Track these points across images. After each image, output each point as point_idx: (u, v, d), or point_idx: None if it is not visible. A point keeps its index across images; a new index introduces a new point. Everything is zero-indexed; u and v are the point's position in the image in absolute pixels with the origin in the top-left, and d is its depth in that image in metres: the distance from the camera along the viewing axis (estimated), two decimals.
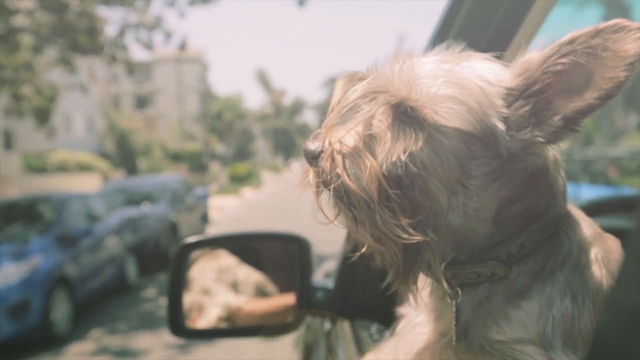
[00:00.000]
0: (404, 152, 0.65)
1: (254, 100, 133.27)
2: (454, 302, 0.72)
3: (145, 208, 10.43)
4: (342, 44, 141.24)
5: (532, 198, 0.69)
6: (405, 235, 0.65)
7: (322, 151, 0.69)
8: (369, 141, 0.68)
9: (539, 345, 0.66)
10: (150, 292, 9.01)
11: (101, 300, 8.08)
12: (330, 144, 0.68)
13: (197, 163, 39.34)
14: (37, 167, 21.41)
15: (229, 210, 22.30)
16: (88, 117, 31.15)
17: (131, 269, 9.01)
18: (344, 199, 0.67)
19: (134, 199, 10.75)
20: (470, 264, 0.71)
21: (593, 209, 1.38)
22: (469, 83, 0.65)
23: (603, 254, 0.72)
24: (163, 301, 8.04)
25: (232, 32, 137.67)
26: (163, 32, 10.56)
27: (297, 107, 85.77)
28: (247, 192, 33.20)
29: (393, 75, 0.67)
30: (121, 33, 10.23)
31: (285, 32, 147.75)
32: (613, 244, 0.75)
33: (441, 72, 0.66)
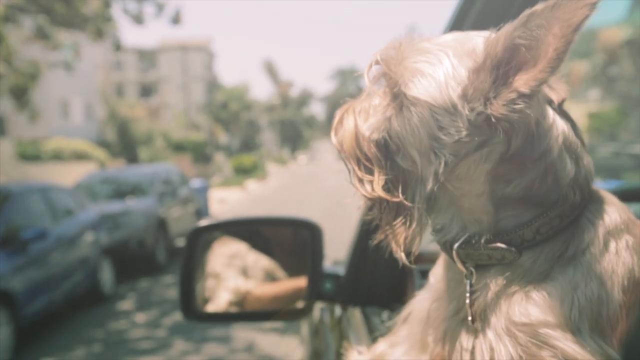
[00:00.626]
0: (384, 121, 0.72)
1: (261, 91, 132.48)
2: (468, 281, 0.73)
3: (130, 202, 9.24)
4: (352, 35, 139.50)
5: (527, 180, 0.69)
6: (370, 191, 0.72)
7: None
8: (367, 109, 0.76)
9: (567, 329, 0.66)
10: (127, 304, 7.63)
11: (61, 317, 6.68)
12: (343, 109, 0.79)
13: (200, 153, 38.29)
14: (30, 155, 20.49)
15: (232, 204, 21.58)
16: (87, 104, 29.88)
17: (107, 276, 7.66)
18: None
19: (120, 192, 9.58)
20: (484, 246, 0.72)
21: (628, 195, 1.28)
22: (443, 57, 0.69)
23: (635, 241, 0.71)
24: (141, 317, 6.89)
25: (239, 21, 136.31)
26: (154, 4, 9.38)
27: (305, 99, 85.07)
28: (252, 185, 32.23)
29: (393, 59, 0.73)
30: (106, 3, 9.04)
31: (294, 22, 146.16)
32: None
33: (425, 47, 0.71)
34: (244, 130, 64.09)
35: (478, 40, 0.69)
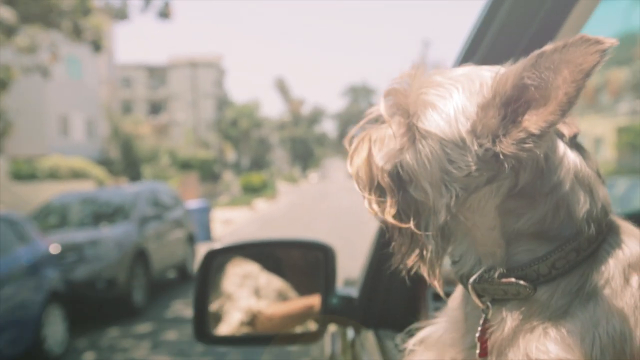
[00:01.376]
0: (396, 152, 0.73)
1: (272, 108, 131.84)
2: (483, 315, 0.72)
3: (103, 229, 7.61)
4: (364, 52, 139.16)
5: (539, 214, 0.69)
6: (382, 218, 0.74)
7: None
8: (383, 139, 0.76)
9: None
10: None
11: None
12: (360, 136, 0.80)
13: (208, 172, 37.00)
14: (25, 174, 19.36)
15: (238, 224, 20.28)
16: (89, 120, 28.52)
17: (56, 328, 5.81)
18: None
19: (95, 215, 8.00)
20: (501, 281, 0.71)
21: None
22: (454, 92, 0.70)
23: None
24: None
25: (250, 37, 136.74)
26: None
27: (316, 116, 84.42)
28: (260, 204, 30.85)
29: (409, 90, 0.73)
30: None
31: (305, 38, 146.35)
32: None
33: (438, 81, 0.71)
34: (254, 148, 63.28)
35: (488, 75, 0.70)
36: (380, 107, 0.76)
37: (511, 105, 0.66)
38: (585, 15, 0.98)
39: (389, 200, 0.73)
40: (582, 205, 0.69)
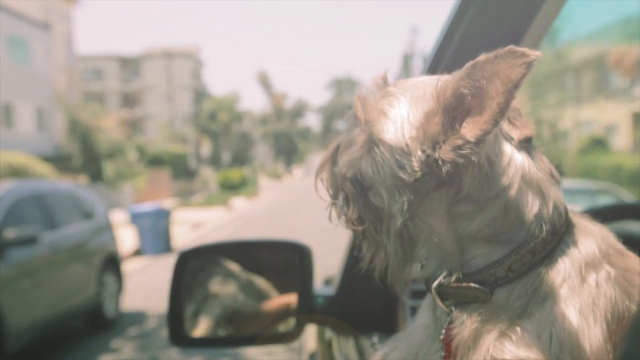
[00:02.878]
0: (354, 159, 0.75)
1: (254, 102, 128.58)
2: (448, 319, 0.75)
3: None
4: (349, 43, 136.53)
5: (488, 218, 0.71)
6: (345, 222, 0.77)
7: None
8: (344, 147, 0.79)
9: None
10: None
11: None
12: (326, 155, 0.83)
13: (182, 168, 34.13)
14: None
15: (209, 227, 17.88)
16: (39, 111, 25.29)
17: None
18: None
19: None
20: (459, 285, 0.73)
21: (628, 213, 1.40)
22: (403, 101, 0.73)
23: (617, 273, 0.70)
24: None
25: (231, 28, 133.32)
26: None
27: (300, 110, 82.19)
28: (239, 202, 28.19)
29: (368, 100, 0.76)
30: None
31: (288, 29, 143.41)
32: (634, 262, 0.72)
33: (388, 91, 0.75)
34: (235, 143, 60.65)
35: (434, 84, 0.71)
36: (345, 116, 0.79)
37: (450, 113, 0.68)
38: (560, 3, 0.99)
39: (350, 207, 0.75)
40: (531, 207, 0.70)
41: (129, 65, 53.02)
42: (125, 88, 52.59)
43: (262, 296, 1.42)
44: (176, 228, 16.36)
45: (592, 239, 0.72)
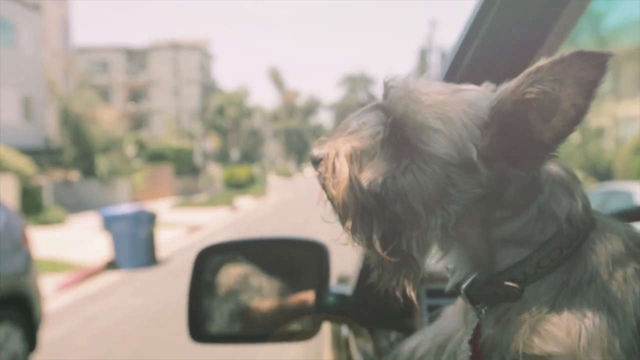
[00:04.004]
0: (387, 174, 0.70)
1: (265, 99, 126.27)
2: (477, 320, 0.74)
3: None
4: (362, 41, 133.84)
5: (522, 222, 0.71)
6: (365, 242, 0.72)
7: (321, 158, 0.74)
8: (360, 155, 0.72)
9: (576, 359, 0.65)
10: None
11: None
12: (328, 152, 0.74)
13: (187, 164, 32.06)
14: None
15: (207, 231, 15.85)
16: (26, 99, 22.91)
17: None
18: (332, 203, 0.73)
19: None
20: (489, 284, 0.73)
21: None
22: (454, 115, 0.69)
23: None
24: None
25: (243, 24, 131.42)
26: None
27: (312, 107, 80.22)
28: (245, 202, 26.08)
29: (396, 98, 0.72)
30: None
31: (301, 24, 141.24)
32: None
33: (434, 103, 0.70)
34: (245, 140, 58.72)
35: (477, 96, 0.71)
36: (362, 121, 0.73)
37: (514, 124, 0.67)
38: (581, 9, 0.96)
39: (375, 224, 0.70)
40: (564, 208, 0.71)
41: (136, 57, 51.11)
42: (131, 81, 50.70)
43: (279, 294, 1.40)
44: (170, 232, 14.34)
45: (617, 236, 0.71)
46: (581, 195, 0.72)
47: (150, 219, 9.90)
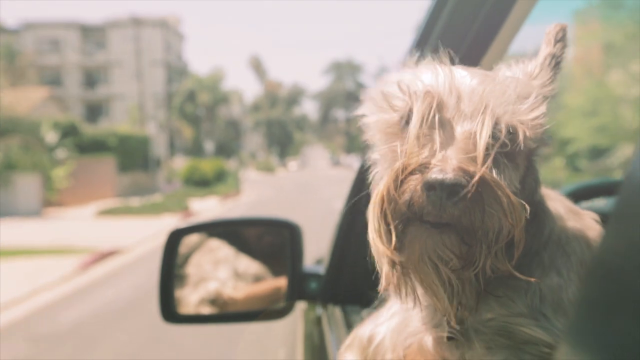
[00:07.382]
0: (517, 182, 0.69)
1: (245, 87, 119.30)
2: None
3: None
4: (348, 24, 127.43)
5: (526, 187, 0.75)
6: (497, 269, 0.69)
7: (462, 185, 0.60)
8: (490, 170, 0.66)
9: (529, 316, 0.71)
10: None
11: None
12: (465, 172, 0.61)
13: (138, 157, 25.72)
14: None
15: (130, 256, 9.66)
16: None
17: None
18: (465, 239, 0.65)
19: None
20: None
21: (586, 193, 1.48)
22: (541, 104, 0.71)
23: (579, 230, 0.77)
24: None
25: (221, 3, 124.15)
26: None
27: (295, 97, 73.89)
28: (209, 204, 20.07)
29: (477, 92, 0.68)
30: None
31: (283, 7, 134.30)
32: (590, 221, 0.79)
33: (516, 95, 0.69)
34: (222, 131, 52.55)
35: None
36: (419, 120, 0.66)
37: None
38: None
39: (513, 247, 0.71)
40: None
41: (92, 34, 44.42)
42: (86, 62, 44.01)
43: (252, 279, 1.41)
44: (49, 265, 8.06)
45: (557, 200, 0.80)
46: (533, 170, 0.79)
47: None
